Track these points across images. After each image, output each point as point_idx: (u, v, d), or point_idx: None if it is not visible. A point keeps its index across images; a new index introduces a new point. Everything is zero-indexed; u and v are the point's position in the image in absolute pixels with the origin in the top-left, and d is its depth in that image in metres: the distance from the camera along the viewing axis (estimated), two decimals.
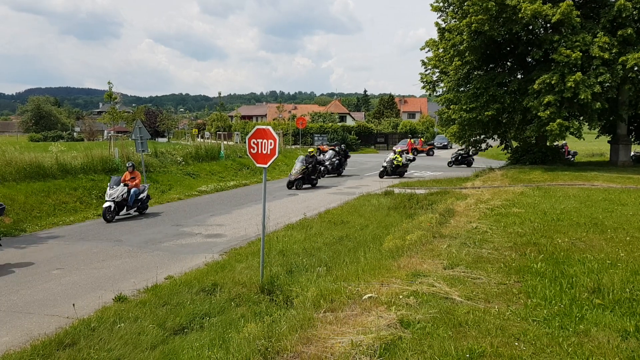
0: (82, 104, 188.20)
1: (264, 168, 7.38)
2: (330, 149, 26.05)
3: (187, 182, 20.80)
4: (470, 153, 30.89)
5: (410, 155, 26.69)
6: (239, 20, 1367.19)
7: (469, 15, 20.07)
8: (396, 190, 16.73)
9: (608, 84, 19.10)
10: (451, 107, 23.40)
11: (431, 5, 24.27)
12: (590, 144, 39.26)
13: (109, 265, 9.16)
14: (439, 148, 50.58)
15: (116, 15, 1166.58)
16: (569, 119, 20.39)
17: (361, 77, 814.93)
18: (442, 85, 25.06)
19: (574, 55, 18.59)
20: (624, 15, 18.67)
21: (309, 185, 20.58)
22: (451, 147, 50.55)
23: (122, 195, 13.64)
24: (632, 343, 4.19)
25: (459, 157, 31.69)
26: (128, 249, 10.30)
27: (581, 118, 21.88)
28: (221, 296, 6.97)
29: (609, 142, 24.92)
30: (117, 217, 13.76)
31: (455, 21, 22.44)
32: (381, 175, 23.78)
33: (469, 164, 31.12)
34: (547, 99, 19.16)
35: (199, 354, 4.93)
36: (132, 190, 13.97)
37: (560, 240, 7.89)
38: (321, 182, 22.28)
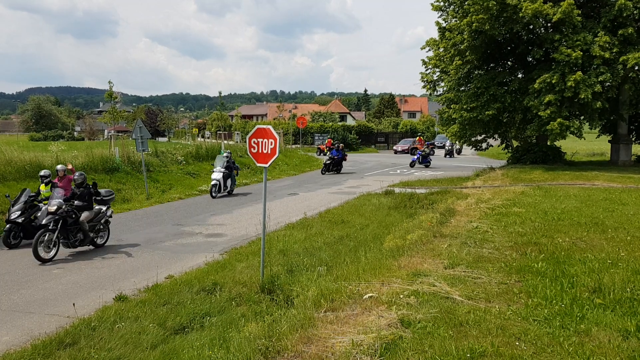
0: (83, 103, 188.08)
1: (265, 167, 7.39)
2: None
3: (187, 182, 20.81)
4: (429, 151, 30.79)
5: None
6: (237, 19, 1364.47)
7: (469, 15, 20.05)
8: (396, 190, 16.71)
9: (608, 83, 19.11)
10: (452, 106, 23.39)
11: (432, 4, 24.25)
12: (590, 143, 39.23)
13: (109, 264, 9.16)
14: (439, 147, 50.54)
15: (112, 13, 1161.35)
16: (569, 119, 20.36)
17: (361, 77, 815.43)
18: (442, 84, 25.05)
19: (574, 54, 18.57)
20: (624, 14, 18.65)
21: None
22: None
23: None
24: (633, 343, 4.19)
25: (420, 157, 29.16)
26: (129, 249, 10.30)
27: (582, 117, 21.89)
28: (221, 295, 6.97)
29: (609, 141, 24.91)
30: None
31: (455, 20, 22.43)
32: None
33: (427, 165, 28.92)
34: (547, 99, 19.15)
35: (200, 353, 4.92)
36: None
37: (561, 240, 7.89)
38: (322, 181, 22.48)
